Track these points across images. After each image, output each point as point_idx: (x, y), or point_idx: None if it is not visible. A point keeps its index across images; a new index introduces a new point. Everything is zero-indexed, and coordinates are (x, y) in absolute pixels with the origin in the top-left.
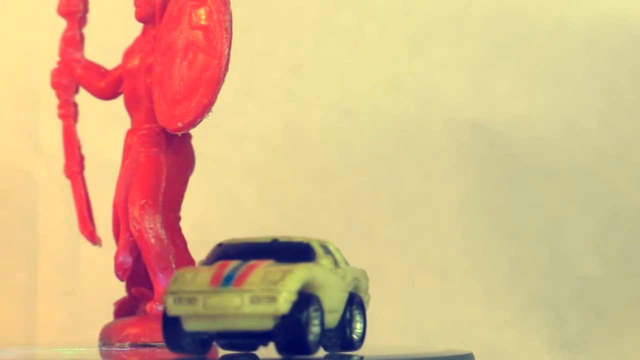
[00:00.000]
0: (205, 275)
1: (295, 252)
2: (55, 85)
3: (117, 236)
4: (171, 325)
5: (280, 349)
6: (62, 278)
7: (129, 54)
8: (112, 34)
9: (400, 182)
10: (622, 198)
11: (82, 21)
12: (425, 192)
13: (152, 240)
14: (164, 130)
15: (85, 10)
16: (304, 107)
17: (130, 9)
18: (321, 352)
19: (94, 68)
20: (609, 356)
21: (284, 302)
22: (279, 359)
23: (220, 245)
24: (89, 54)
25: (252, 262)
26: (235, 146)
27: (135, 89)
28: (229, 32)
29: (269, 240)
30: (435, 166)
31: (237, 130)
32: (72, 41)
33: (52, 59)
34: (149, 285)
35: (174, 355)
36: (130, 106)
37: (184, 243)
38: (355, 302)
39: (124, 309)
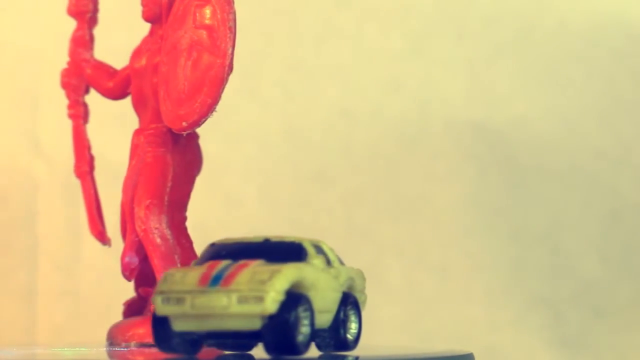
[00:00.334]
0: (194, 275)
1: (287, 251)
2: (65, 85)
3: (125, 236)
4: (160, 326)
5: (268, 349)
6: (62, 278)
7: (136, 54)
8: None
9: (400, 182)
10: (622, 198)
11: (92, 21)
12: (425, 192)
13: (158, 240)
14: (170, 130)
15: (95, 10)
16: (304, 107)
17: (138, 9)
18: (315, 352)
19: (103, 68)
20: (609, 356)
21: (271, 302)
22: (275, 359)
23: (213, 245)
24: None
25: (242, 261)
26: (235, 146)
27: (142, 89)
28: (232, 31)
29: (260, 240)
30: (435, 166)
31: (237, 130)
32: (82, 41)
33: (52, 59)
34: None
35: (179, 356)
36: (138, 106)
37: (190, 243)
38: (349, 302)
39: (132, 308)
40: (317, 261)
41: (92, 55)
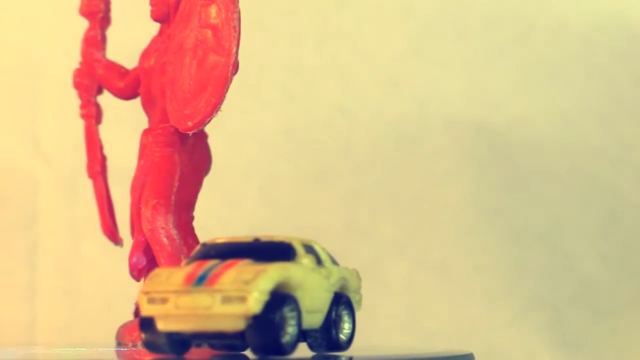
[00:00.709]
0: (179, 275)
1: (276, 251)
2: (77, 85)
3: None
4: (146, 326)
5: (254, 350)
6: (62, 278)
7: (145, 54)
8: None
9: (400, 182)
10: (622, 198)
11: (104, 21)
12: (425, 192)
13: (164, 240)
14: (178, 130)
15: (107, 10)
16: (304, 107)
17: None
18: (308, 353)
19: (114, 68)
20: (609, 356)
21: (254, 302)
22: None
23: (204, 245)
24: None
25: (229, 261)
26: (235, 146)
27: (150, 89)
28: (237, 30)
29: (250, 239)
30: (435, 166)
31: (237, 130)
32: (94, 41)
33: (52, 59)
34: None
35: (196, 356)
36: (147, 106)
37: (197, 243)
38: (342, 302)
39: None
40: (306, 261)
41: (104, 55)
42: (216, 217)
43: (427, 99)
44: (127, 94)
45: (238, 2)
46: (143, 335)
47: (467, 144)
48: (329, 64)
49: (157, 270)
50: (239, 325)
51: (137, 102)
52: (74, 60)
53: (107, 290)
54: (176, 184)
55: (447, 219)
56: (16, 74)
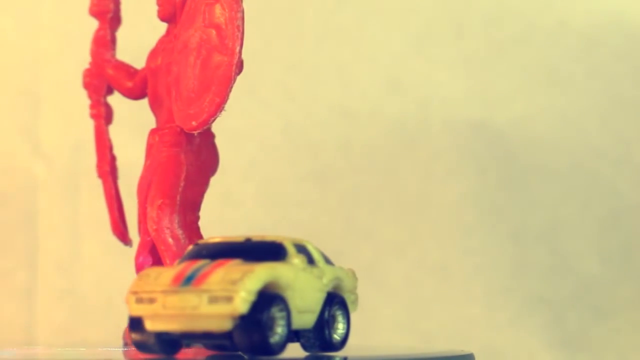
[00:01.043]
0: (168, 275)
1: (266, 251)
2: (87, 85)
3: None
4: (135, 326)
5: (242, 350)
6: (62, 278)
7: (153, 53)
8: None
9: (400, 182)
10: (622, 198)
11: (114, 21)
12: (425, 192)
13: (169, 240)
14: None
15: (117, 10)
16: (304, 107)
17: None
18: (302, 353)
19: (123, 68)
20: (609, 356)
21: (241, 302)
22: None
23: (196, 244)
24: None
25: (219, 261)
26: (235, 146)
27: (157, 89)
28: (240, 30)
29: (242, 239)
30: (435, 166)
31: (237, 130)
32: (103, 41)
33: (52, 59)
34: None
35: (189, 356)
36: (154, 106)
37: None
38: (335, 302)
39: None
40: (297, 260)
41: (113, 55)
42: (215, 217)
43: (427, 99)
44: (136, 94)
45: (242, 1)
46: (133, 335)
47: (467, 144)
48: (329, 64)
49: (146, 270)
50: (226, 325)
51: (145, 102)
52: (74, 60)
53: (107, 290)
54: (182, 184)
55: (447, 219)
56: (16, 74)
